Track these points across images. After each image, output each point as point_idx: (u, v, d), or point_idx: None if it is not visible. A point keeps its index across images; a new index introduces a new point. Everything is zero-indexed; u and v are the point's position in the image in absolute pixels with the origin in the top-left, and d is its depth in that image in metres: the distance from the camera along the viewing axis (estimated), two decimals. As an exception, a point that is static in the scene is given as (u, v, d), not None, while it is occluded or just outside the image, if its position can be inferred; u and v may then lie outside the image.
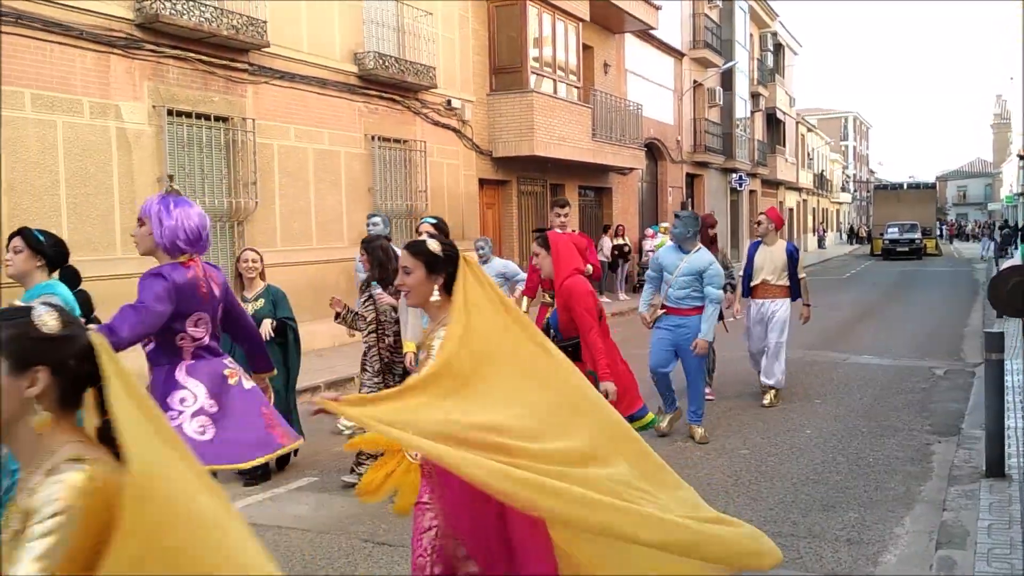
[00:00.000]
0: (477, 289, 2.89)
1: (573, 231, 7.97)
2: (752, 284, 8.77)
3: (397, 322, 6.21)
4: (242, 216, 11.28)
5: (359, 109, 13.49)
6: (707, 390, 8.63)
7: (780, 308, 8.65)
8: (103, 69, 9.56)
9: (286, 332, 6.87)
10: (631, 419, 4.92)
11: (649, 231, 23.90)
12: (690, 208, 30.01)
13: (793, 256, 8.74)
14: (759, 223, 8.93)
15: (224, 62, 11.00)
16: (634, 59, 25.25)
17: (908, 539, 4.97)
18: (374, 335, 6.20)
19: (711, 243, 8.63)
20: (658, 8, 24.08)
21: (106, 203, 9.59)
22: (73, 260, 9.09)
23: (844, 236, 75.41)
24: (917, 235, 40.77)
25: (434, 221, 6.37)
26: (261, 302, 6.78)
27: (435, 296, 3.19)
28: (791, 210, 50.80)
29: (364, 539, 5.05)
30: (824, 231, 63.61)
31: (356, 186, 13.41)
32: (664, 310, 7.32)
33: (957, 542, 4.68)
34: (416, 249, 3.25)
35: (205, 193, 10.82)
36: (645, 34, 25.35)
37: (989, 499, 5.33)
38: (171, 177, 4.37)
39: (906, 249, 40.16)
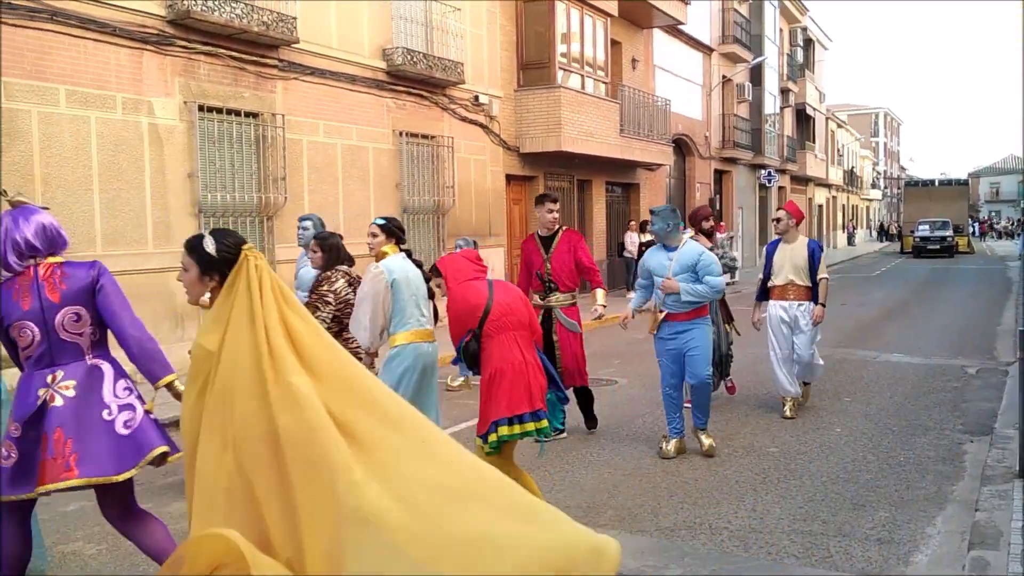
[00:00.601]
0: (245, 302, 2.68)
1: (562, 227, 7.51)
2: (771, 285, 8.09)
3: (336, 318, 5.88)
4: (271, 211, 11.36)
5: (387, 105, 13.54)
6: (729, 382, 8.71)
7: (807, 313, 7.92)
8: (136, 66, 9.66)
9: None
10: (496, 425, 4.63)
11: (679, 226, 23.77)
12: (717, 205, 29.87)
13: (815, 254, 7.97)
14: (778, 220, 8.15)
15: (254, 58, 11.08)
16: (662, 54, 25.13)
17: (940, 539, 4.92)
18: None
19: (707, 237, 8.13)
20: (687, 3, 23.94)
21: (138, 198, 9.69)
22: (106, 254, 9.27)
23: (874, 233, 74.65)
24: (949, 232, 40.17)
25: (382, 222, 5.80)
26: None
27: (206, 297, 3.15)
28: (820, 207, 50.37)
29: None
30: (854, 228, 62.99)
31: (384, 182, 13.46)
32: (663, 316, 6.63)
33: (990, 543, 4.62)
34: (190, 246, 3.20)
35: (235, 188, 10.91)
36: (674, 29, 25.22)
37: (1023, 499, 5.25)
38: (4, 191, 4.14)
39: (937, 247, 39.61)
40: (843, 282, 26.46)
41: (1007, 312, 16.58)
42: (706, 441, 6.75)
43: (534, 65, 17.52)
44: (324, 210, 12.28)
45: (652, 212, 6.81)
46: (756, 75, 32.86)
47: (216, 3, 10.19)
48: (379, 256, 5.64)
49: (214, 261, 3.11)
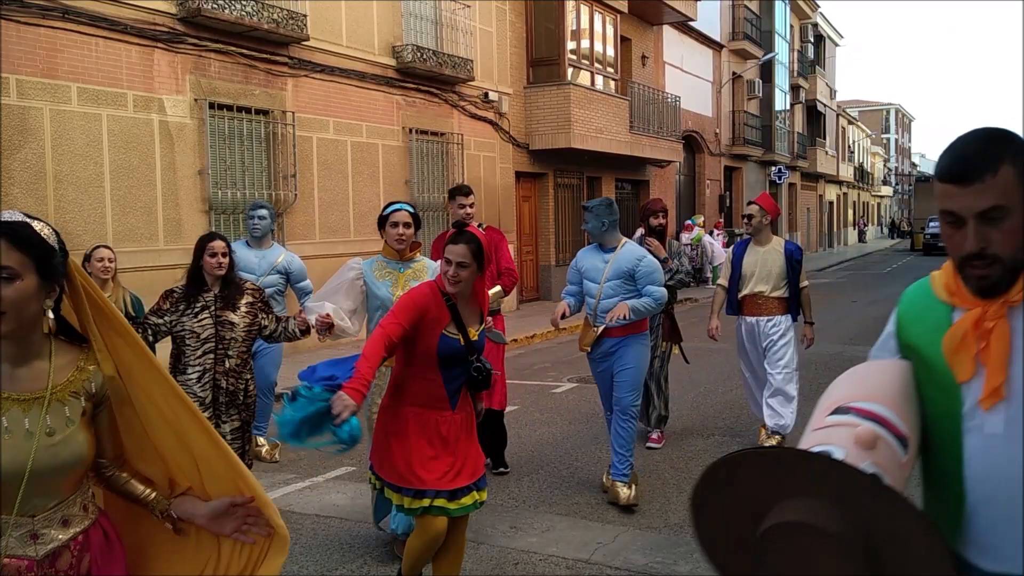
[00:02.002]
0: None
1: (481, 225, 6.31)
2: (741, 295, 6.76)
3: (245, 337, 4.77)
4: (281, 208, 11.40)
5: (397, 102, 13.56)
6: (654, 435, 7.03)
7: (779, 329, 6.63)
8: (147, 63, 9.70)
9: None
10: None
11: (688, 223, 23.82)
12: (728, 202, 29.81)
13: (794, 259, 6.64)
14: (750, 217, 6.71)
15: (264, 56, 11.12)
16: (672, 51, 25.10)
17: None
18: (211, 355, 4.62)
19: (659, 236, 6.78)
20: (697, 0, 23.91)
21: (149, 195, 9.74)
22: (117, 250, 9.31)
23: (885, 230, 74.41)
24: None
25: (411, 209, 4.83)
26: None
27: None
28: (831, 204, 50.23)
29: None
30: (865, 225, 62.81)
31: (393, 179, 13.48)
32: (599, 331, 5.53)
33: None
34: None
35: (245, 185, 10.95)
36: (684, 26, 25.19)
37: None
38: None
39: None
40: (853, 279, 26.40)
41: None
42: (623, 492, 5.38)
43: (544, 62, 17.52)
44: (334, 207, 12.34)
45: (585, 208, 5.76)
46: (766, 72, 32.77)
47: (226, 1, 10.22)
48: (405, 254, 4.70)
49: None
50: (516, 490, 5.88)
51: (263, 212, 6.79)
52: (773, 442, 6.59)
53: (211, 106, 10.44)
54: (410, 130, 13.79)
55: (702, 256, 22.90)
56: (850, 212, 58.77)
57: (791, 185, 38.78)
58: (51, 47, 8.74)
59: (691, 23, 25.00)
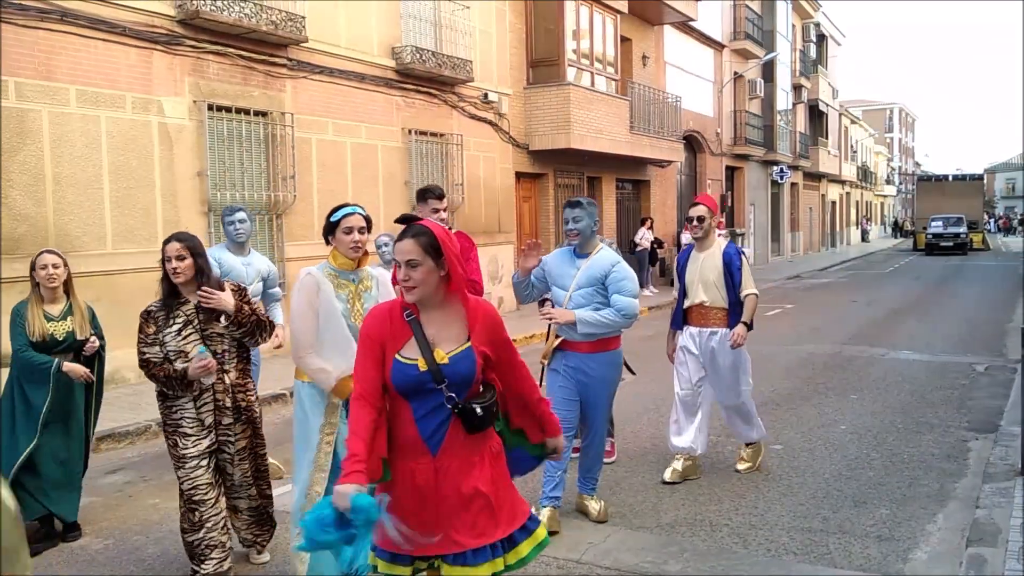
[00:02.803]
0: None
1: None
2: (686, 306, 6.13)
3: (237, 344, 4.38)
4: (281, 209, 11.43)
5: (396, 103, 13.59)
6: (607, 446, 6.36)
7: (722, 345, 5.97)
8: (145, 65, 9.74)
9: (95, 363, 5.26)
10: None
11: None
12: (730, 202, 29.79)
13: (733, 263, 5.92)
14: (699, 220, 5.97)
15: (263, 57, 11.15)
16: (673, 51, 25.09)
17: (940, 536, 4.93)
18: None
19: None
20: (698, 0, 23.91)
21: (148, 196, 9.77)
22: (116, 251, 9.35)
23: (888, 229, 74.34)
24: (962, 229, 39.55)
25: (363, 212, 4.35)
26: (69, 322, 5.13)
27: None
28: (834, 203, 50.18)
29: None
30: (868, 224, 62.75)
31: (393, 180, 13.51)
32: (558, 342, 5.08)
33: (988, 540, 4.63)
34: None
35: (244, 187, 10.99)
36: (684, 26, 25.19)
37: (1023, 497, 5.26)
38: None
39: (950, 244, 39.00)
40: (854, 279, 26.38)
41: (1019, 309, 16.49)
42: (594, 507, 5.24)
43: (543, 62, 17.53)
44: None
45: (573, 204, 5.06)
46: (768, 71, 32.75)
47: (225, 3, 10.25)
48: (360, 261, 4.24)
49: None
50: (519, 483, 5.89)
51: (242, 215, 6.28)
52: (675, 466, 6.04)
53: (210, 108, 10.47)
54: (409, 131, 13.81)
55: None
56: (853, 211, 58.70)
57: (793, 185, 38.75)
58: (49, 49, 8.78)
59: (692, 23, 25.00)
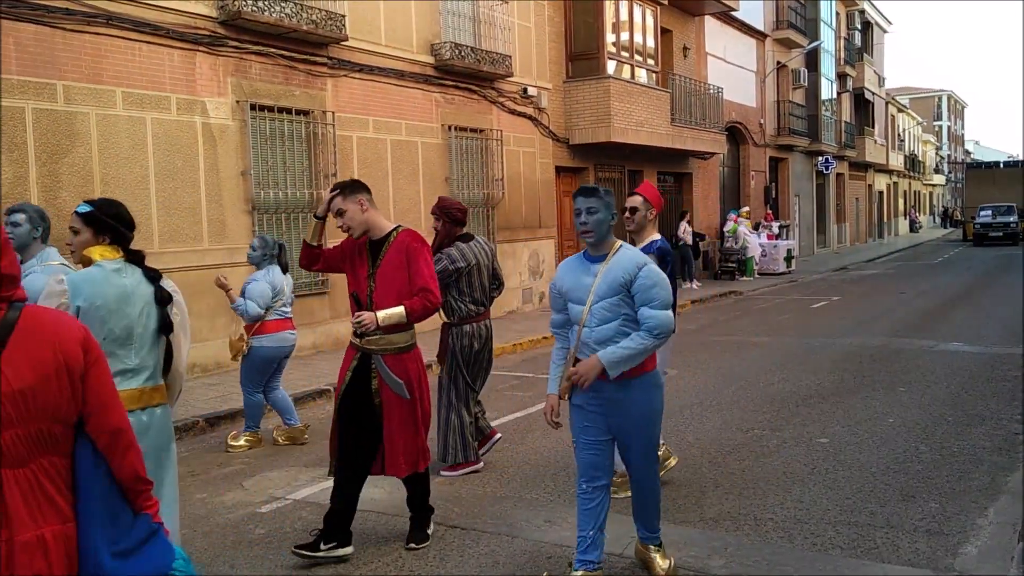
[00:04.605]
0: None
1: (397, 227, 4.75)
2: None
3: None
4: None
5: (436, 99, 13.64)
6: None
7: None
8: (189, 67, 9.88)
9: None
10: None
11: (731, 215, 23.64)
12: (774, 193, 29.44)
13: (665, 261, 5.19)
14: (632, 210, 5.47)
15: (304, 56, 11.26)
16: (714, 42, 24.85)
17: (991, 530, 4.82)
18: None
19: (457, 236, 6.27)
20: (739, -11, 23.67)
21: (193, 196, 9.92)
22: (163, 251, 9.51)
23: (938, 220, 72.97)
24: (1013, 218, 38.34)
25: (85, 210, 3.57)
26: None
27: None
28: (881, 193, 49.36)
29: (437, 522, 5.15)
30: (916, 215, 61.62)
31: (433, 176, 13.56)
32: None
33: (1042, 535, 4.52)
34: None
35: (287, 185, 11.11)
36: (725, 16, 24.93)
37: (1080, 491, 5.13)
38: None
39: (1000, 234, 37.82)
40: (902, 270, 25.95)
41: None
42: (660, 563, 4.27)
43: (583, 56, 17.47)
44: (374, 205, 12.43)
45: (585, 193, 4.00)
46: (812, 60, 32.29)
47: (266, 3, 10.36)
48: (84, 261, 3.61)
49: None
50: (551, 484, 5.91)
51: (18, 217, 4.75)
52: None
53: (252, 107, 10.60)
54: (449, 127, 13.85)
55: (743, 247, 22.74)
56: (901, 202, 57.68)
57: (839, 175, 38.19)
58: (96, 53, 8.95)
59: (733, 13, 24.74)
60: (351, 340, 4.70)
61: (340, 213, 4.57)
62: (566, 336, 4.17)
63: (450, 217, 6.35)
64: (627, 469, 4.24)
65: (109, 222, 3.57)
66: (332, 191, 4.67)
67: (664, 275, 4.01)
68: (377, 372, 4.59)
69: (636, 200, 5.49)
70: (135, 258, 3.61)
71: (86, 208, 3.56)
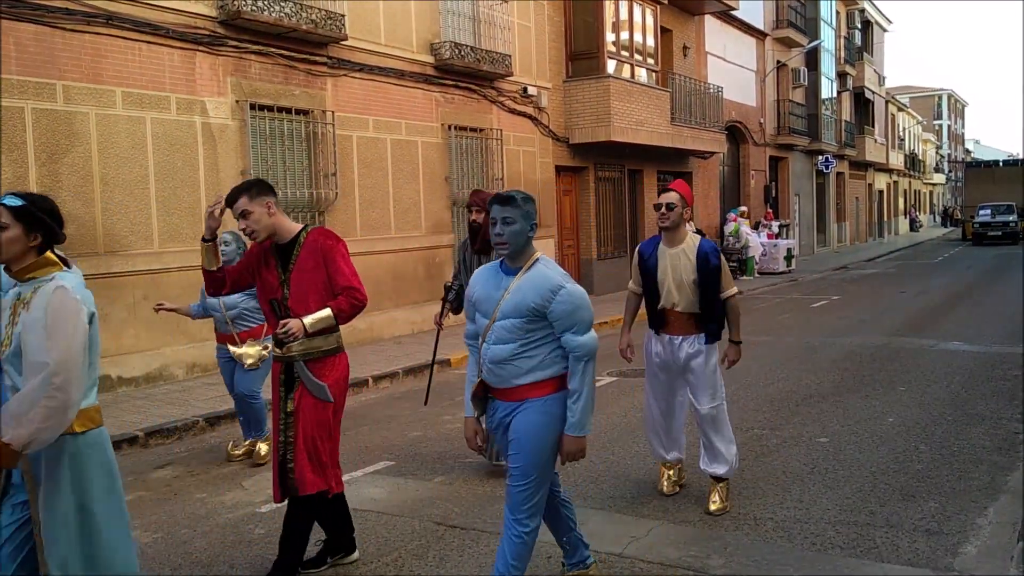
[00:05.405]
0: None
1: (306, 228, 4.47)
2: (659, 307, 5.34)
3: None
4: (323, 206, 11.53)
5: (436, 99, 13.63)
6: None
7: (697, 353, 5.28)
8: (189, 66, 9.88)
9: None
10: None
11: (731, 215, 23.65)
12: (774, 192, 29.43)
13: (710, 263, 5.19)
14: (669, 207, 5.19)
15: (304, 56, 11.26)
16: (714, 41, 24.85)
17: (991, 530, 4.82)
18: None
19: (472, 234, 6.16)
20: (739, -12, 23.66)
21: (192, 196, 9.92)
22: (163, 251, 9.49)
23: (938, 219, 72.99)
24: (1013, 217, 38.11)
25: (17, 203, 3.08)
26: None
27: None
28: (881, 192, 49.35)
29: (437, 522, 5.15)
30: (916, 214, 61.62)
31: (433, 175, 13.56)
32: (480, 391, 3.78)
33: (1042, 534, 4.52)
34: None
35: (287, 185, 11.10)
36: (725, 15, 24.93)
37: (1079, 490, 5.13)
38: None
39: (999, 233, 37.60)
40: (902, 270, 25.96)
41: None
42: None
43: (583, 55, 17.48)
44: (374, 205, 12.44)
45: (498, 201, 3.59)
46: (812, 59, 32.28)
47: (266, 2, 10.36)
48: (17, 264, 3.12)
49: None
50: (552, 484, 5.90)
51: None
52: (719, 496, 5.26)
53: (252, 107, 10.60)
54: (449, 126, 13.85)
55: (744, 247, 22.75)
56: (901, 201, 57.67)
57: (839, 174, 38.19)
58: (96, 53, 8.95)
59: (733, 12, 24.73)
60: (273, 351, 4.39)
61: (244, 215, 4.21)
62: (473, 340, 3.82)
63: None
64: (506, 503, 3.73)
65: (44, 218, 3.12)
66: (231, 195, 4.29)
67: (584, 295, 3.61)
68: (299, 379, 4.27)
69: (672, 196, 5.21)
70: (65, 263, 3.18)
71: (17, 201, 3.07)
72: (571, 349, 3.54)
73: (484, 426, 3.82)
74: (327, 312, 4.19)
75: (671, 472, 5.63)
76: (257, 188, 4.30)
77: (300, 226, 4.39)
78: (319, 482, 4.24)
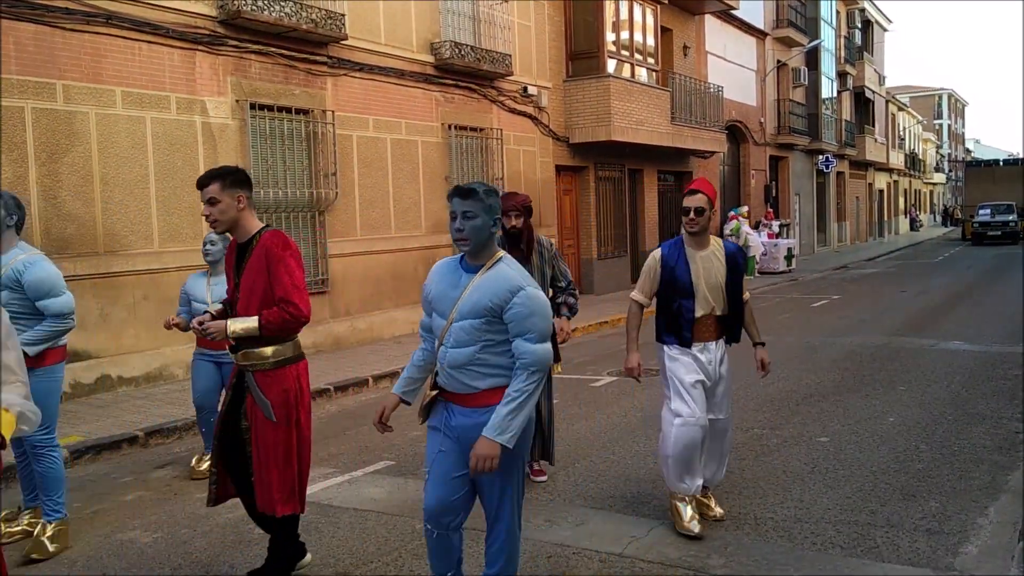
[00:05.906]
0: None
1: (262, 229, 4.17)
2: (697, 315, 4.92)
3: None
4: (323, 206, 11.53)
5: (436, 98, 13.63)
6: (534, 467, 5.92)
7: (723, 358, 5.08)
8: (189, 66, 9.87)
9: None
10: None
11: (732, 214, 23.65)
12: (774, 191, 29.42)
13: (738, 263, 5.02)
14: (698, 211, 4.84)
15: (304, 55, 11.25)
16: (714, 40, 24.84)
17: (991, 530, 4.82)
18: None
19: (513, 241, 5.64)
20: (739, -12, 23.66)
21: (192, 196, 9.90)
22: (162, 251, 9.49)
23: (938, 218, 72.99)
24: (1012, 217, 37.96)
25: None
26: None
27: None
28: (881, 192, 49.35)
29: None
30: (916, 214, 61.62)
31: (433, 175, 13.56)
32: (433, 394, 3.59)
33: (1043, 534, 4.52)
34: None
35: (287, 184, 11.10)
36: (726, 14, 24.93)
37: (1080, 490, 5.12)
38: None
39: (999, 233, 37.47)
40: (902, 269, 25.95)
41: (1074, 298, 16.08)
42: None
43: (583, 55, 17.47)
44: (375, 204, 12.44)
45: (459, 193, 3.37)
46: (812, 59, 32.28)
47: (266, 2, 10.35)
48: None
49: None
50: (552, 484, 5.90)
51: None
52: (692, 508, 4.90)
53: (252, 107, 10.60)
54: (449, 126, 13.85)
55: (745, 246, 22.75)
56: (901, 200, 57.67)
57: (839, 174, 38.20)
58: (96, 52, 8.94)
59: (733, 12, 24.73)
60: (231, 357, 4.21)
61: (212, 202, 3.98)
62: (432, 339, 3.59)
63: (529, 212, 5.79)
64: (484, 506, 3.56)
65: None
66: (204, 177, 4.07)
67: (545, 301, 3.38)
68: (249, 390, 4.09)
69: (701, 200, 4.83)
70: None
71: None
72: (520, 355, 3.28)
73: (424, 422, 3.63)
74: (253, 322, 3.95)
75: (693, 501, 4.96)
76: (233, 178, 4.05)
77: (261, 226, 4.14)
78: (286, 508, 4.11)
